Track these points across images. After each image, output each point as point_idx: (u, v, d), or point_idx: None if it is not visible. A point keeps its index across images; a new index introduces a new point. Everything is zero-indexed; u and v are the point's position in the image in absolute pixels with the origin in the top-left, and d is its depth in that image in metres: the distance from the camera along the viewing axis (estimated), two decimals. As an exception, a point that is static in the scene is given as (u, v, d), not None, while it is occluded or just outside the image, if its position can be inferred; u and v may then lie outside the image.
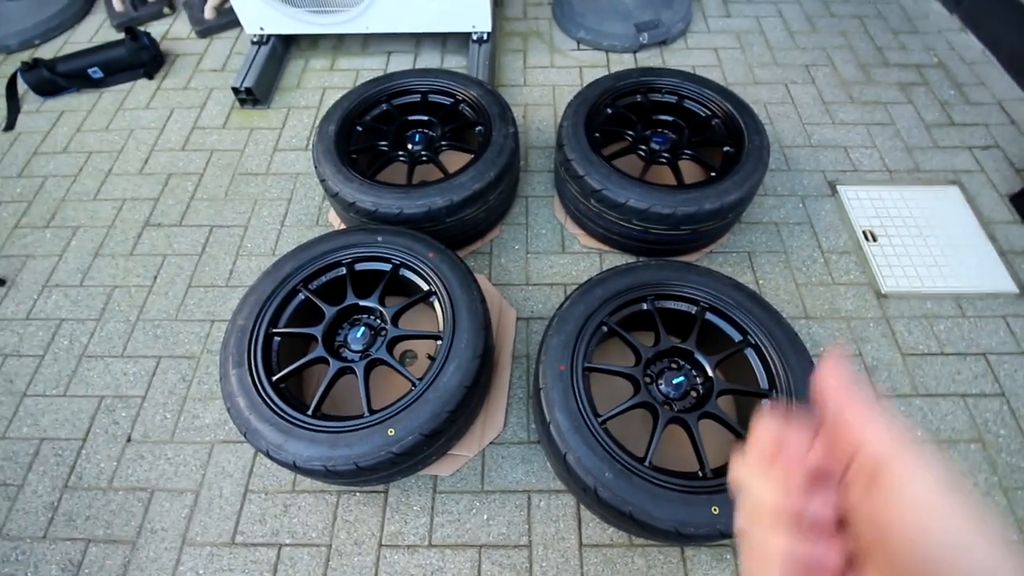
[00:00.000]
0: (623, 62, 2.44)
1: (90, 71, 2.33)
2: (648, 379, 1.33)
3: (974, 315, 1.69)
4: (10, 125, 2.28)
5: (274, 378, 1.27)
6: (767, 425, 0.33)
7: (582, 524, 1.38)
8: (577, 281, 1.76)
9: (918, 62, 2.39)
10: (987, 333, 1.65)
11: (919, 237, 1.85)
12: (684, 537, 1.10)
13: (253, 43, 2.38)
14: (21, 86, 2.37)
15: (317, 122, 2.23)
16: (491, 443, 1.49)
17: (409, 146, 1.80)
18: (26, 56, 2.49)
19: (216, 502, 1.43)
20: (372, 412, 1.22)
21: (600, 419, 1.21)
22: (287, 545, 1.37)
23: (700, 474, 1.18)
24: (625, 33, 2.44)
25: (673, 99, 1.84)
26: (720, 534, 1.09)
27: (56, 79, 2.30)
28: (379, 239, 1.46)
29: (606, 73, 1.90)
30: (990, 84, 2.29)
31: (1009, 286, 1.73)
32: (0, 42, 2.55)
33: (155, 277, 1.83)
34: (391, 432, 1.17)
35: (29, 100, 2.37)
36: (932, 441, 1.48)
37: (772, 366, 1.28)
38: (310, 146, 2.16)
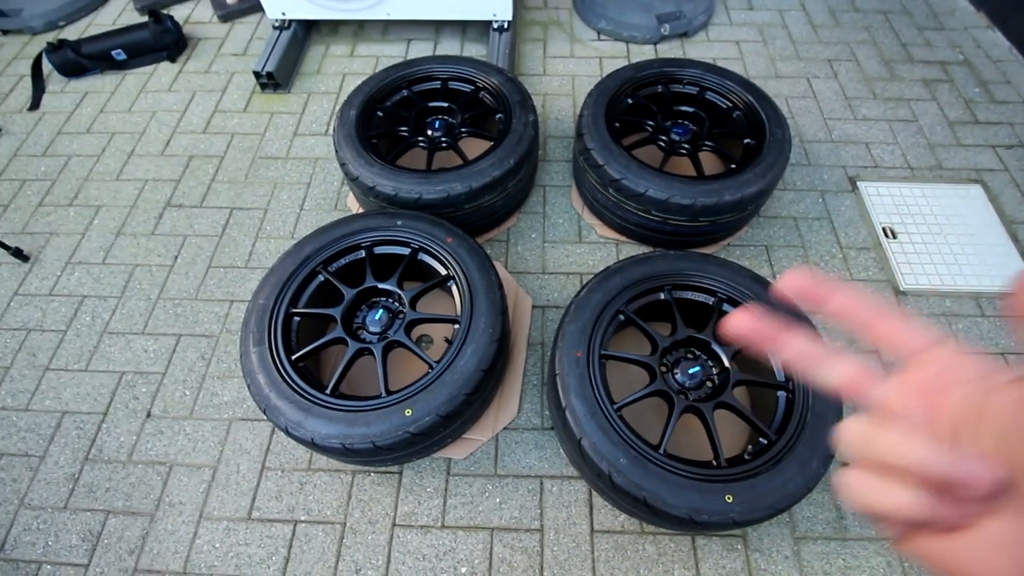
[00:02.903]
0: (643, 53, 2.43)
1: (114, 53, 2.36)
2: (664, 368, 1.33)
3: (994, 314, 1.67)
4: (35, 105, 2.32)
5: (293, 357, 1.29)
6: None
7: (594, 510, 1.39)
8: (593, 271, 1.76)
9: (943, 59, 2.36)
10: (1007, 333, 1.64)
11: (939, 235, 1.83)
12: (697, 524, 1.11)
13: (275, 28, 2.39)
14: (46, 67, 2.40)
15: (337, 107, 2.24)
16: (505, 428, 1.50)
17: (429, 132, 1.80)
18: (51, 37, 2.53)
19: (233, 478, 1.46)
20: (390, 393, 1.23)
21: (616, 406, 1.22)
22: (302, 522, 1.39)
23: (714, 463, 1.19)
24: (646, 24, 2.43)
25: (694, 90, 1.83)
26: (733, 523, 1.10)
27: (80, 60, 2.33)
28: (398, 223, 1.47)
29: (626, 64, 1.89)
30: (1016, 83, 2.25)
31: (1031, 286, 1.70)
32: (26, 23, 2.58)
33: (176, 257, 1.86)
34: (408, 412, 1.19)
35: (54, 81, 2.40)
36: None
37: (789, 358, 1.28)
38: (330, 131, 2.17)
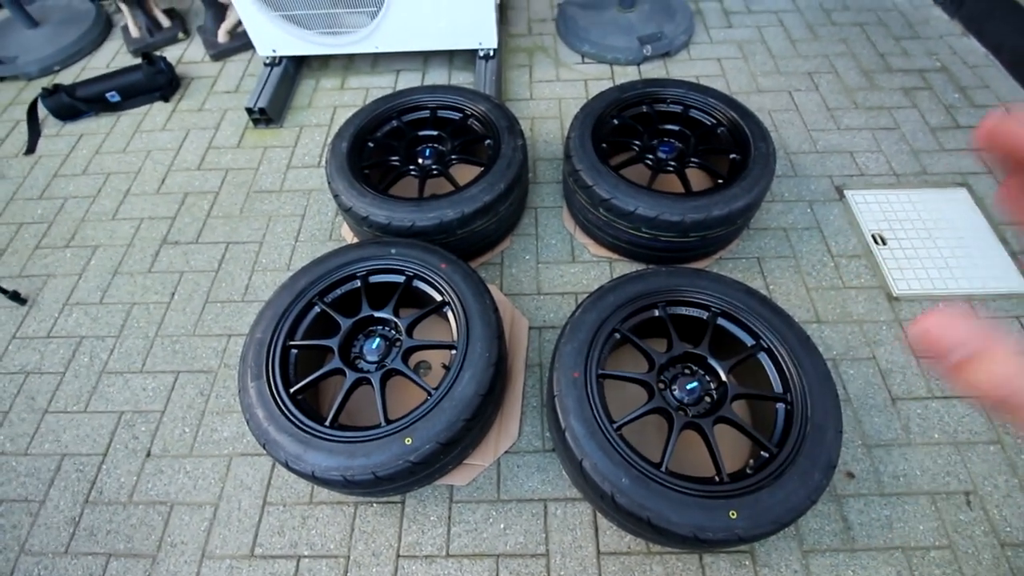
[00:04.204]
0: (627, 74, 2.48)
1: (108, 95, 2.40)
2: (662, 385, 1.33)
3: (987, 316, 1.68)
4: (31, 149, 2.35)
5: (292, 390, 1.29)
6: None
7: (599, 532, 1.38)
8: (588, 290, 1.78)
9: (921, 67, 2.41)
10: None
11: (928, 239, 1.85)
12: (702, 542, 1.10)
13: (265, 65, 2.44)
14: (41, 111, 2.44)
15: (329, 140, 2.27)
16: (506, 452, 1.49)
17: (420, 160, 1.83)
18: (46, 82, 2.57)
19: (235, 515, 1.45)
20: (389, 422, 1.23)
21: (615, 425, 1.22)
22: (306, 557, 1.38)
23: (717, 479, 1.18)
24: (628, 46, 2.48)
25: (678, 108, 1.87)
26: (739, 539, 1.09)
27: (75, 103, 2.37)
28: (392, 251, 1.48)
29: (611, 85, 1.93)
30: (994, 87, 2.30)
31: (1021, 286, 1.72)
32: (21, 69, 2.63)
33: (173, 294, 1.87)
34: (408, 441, 1.19)
35: (49, 124, 2.44)
36: (950, 444, 1.47)
37: (785, 370, 1.28)
38: (323, 163, 2.21)
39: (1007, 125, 0.28)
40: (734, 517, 1.09)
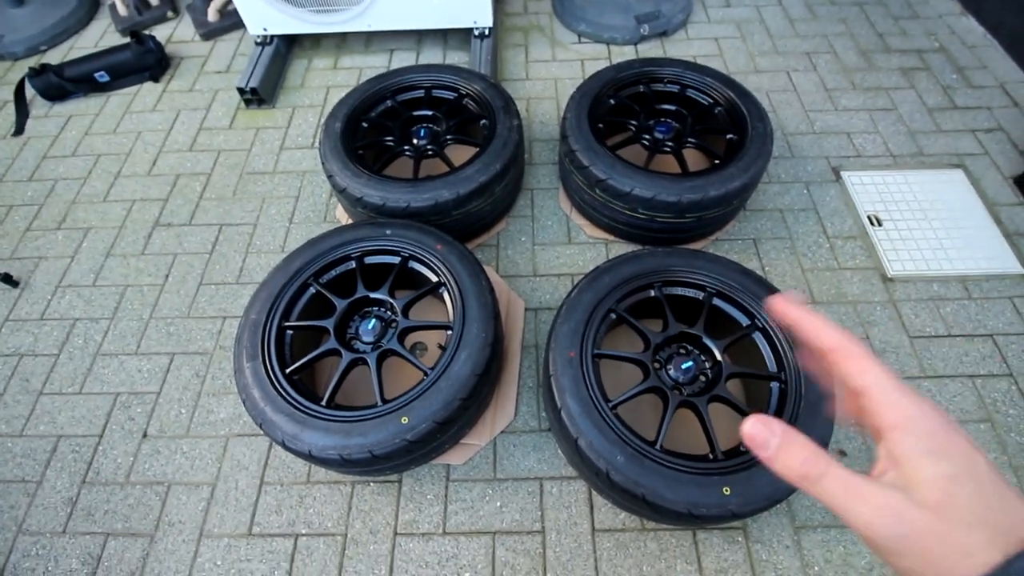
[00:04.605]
0: (624, 54, 2.45)
1: (97, 75, 2.36)
2: (657, 364, 1.34)
3: (980, 297, 1.69)
4: (19, 130, 2.31)
5: (288, 370, 1.29)
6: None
7: (594, 509, 1.39)
8: (584, 271, 1.76)
9: (919, 47, 2.39)
10: (994, 314, 1.66)
11: (924, 220, 1.85)
12: (696, 518, 1.11)
13: (257, 44, 2.40)
14: (29, 92, 2.40)
15: (322, 120, 2.24)
16: (502, 432, 1.50)
17: (415, 141, 1.81)
18: (33, 62, 2.53)
19: (232, 494, 1.45)
20: (385, 402, 1.23)
21: (610, 404, 1.22)
22: (303, 535, 1.39)
23: (711, 456, 1.19)
24: (625, 25, 2.45)
25: (675, 88, 1.85)
26: (732, 515, 1.10)
27: (63, 84, 2.33)
28: (388, 232, 1.48)
29: (607, 65, 1.91)
30: (992, 67, 2.29)
31: (1015, 267, 1.73)
32: (7, 49, 2.58)
33: (166, 276, 1.85)
34: (405, 420, 1.19)
35: (37, 105, 2.40)
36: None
37: (780, 349, 1.29)
38: (316, 144, 2.18)
39: (789, 309, 0.40)
40: (728, 494, 1.10)
